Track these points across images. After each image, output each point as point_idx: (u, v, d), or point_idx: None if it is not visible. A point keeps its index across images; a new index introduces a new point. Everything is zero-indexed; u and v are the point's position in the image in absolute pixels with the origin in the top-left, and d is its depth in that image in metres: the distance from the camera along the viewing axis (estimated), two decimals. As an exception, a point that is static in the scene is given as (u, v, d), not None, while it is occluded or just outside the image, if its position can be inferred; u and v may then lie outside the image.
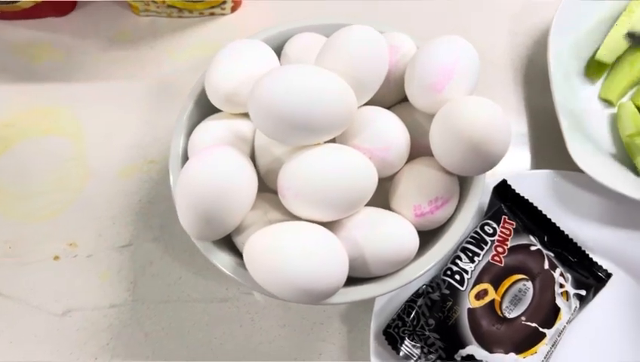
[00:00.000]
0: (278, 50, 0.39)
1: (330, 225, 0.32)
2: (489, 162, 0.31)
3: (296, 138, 0.30)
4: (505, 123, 0.31)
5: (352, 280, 0.32)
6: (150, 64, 0.49)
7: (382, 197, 0.35)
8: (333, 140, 0.34)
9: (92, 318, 0.40)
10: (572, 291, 0.37)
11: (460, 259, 0.37)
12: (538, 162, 0.45)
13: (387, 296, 0.38)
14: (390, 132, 0.33)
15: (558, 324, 0.36)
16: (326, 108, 0.30)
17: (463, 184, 0.35)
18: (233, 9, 0.50)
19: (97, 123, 0.47)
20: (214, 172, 0.30)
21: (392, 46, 0.35)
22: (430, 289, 0.37)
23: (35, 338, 0.39)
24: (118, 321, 0.40)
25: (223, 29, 0.50)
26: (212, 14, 0.50)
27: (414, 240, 0.32)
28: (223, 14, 0.50)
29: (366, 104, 0.34)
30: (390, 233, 0.32)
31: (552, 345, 0.36)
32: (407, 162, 0.35)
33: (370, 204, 0.34)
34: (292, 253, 0.29)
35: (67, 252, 0.42)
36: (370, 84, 0.33)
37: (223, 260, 0.33)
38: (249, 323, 0.40)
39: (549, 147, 0.45)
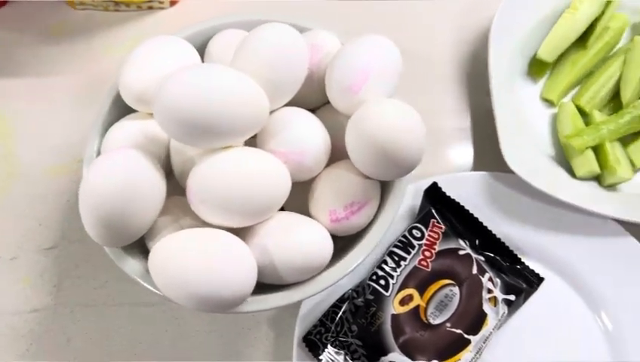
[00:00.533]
0: (204, 49, 0.38)
1: (241, 232, 0.31)
2: (402, 166, 0.30)
3: (202, 141, 0.29)
4: (417, 126, 0.30)
5: (265, 287, 0.32)
6: (86, 59, 0.48)
7: (302, 201, 0.34)
8: (253, 142, 0.33)
9: (12, 323, 0.39)
10: (501, 296, 0.37)
11: (387, 264, 0.36)
12: (477, 163, 0.44)
13: (313, 300, 0.37)
14: (307, 135, 0.32)
15: (484, 331, 0.35)
16: (232, 112, 0.29)
17: (385, 189, 0.34)
18: (172, 3, 0.49)
19: (27, 121, 0.45)
20: (113, 175, 0.28)
21: (314, 45, 0.34)
22: (355, 295, 0.36)
23: (-47, 344, 0.38)
24: (38, 326, 0.39)
25: (161, 23, 0.49)
26: (150, 8, 0.49)
27: (328, 247, 0.31)
28: (162, 8, 0.49)
29: (290, 105, 0.33)
30: (302, 240, 0.31)
31: (477, 352, 0.35)
32: (328, 165, 0.34)
33: (290, 208, 0.33)
34: (194, 261, 0.28)
35: (-10, 254, 0.41)
36: (287, 86, 0.32)
37: (132, 266, 0.32)
38: (175, 328, 0.39)
39: (489, 147, 0.43)
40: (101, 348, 0.38)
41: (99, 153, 0.34)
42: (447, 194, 0.39)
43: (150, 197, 0.30)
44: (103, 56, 0.48)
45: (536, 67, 0.45)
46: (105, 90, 0.45)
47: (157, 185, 0.30)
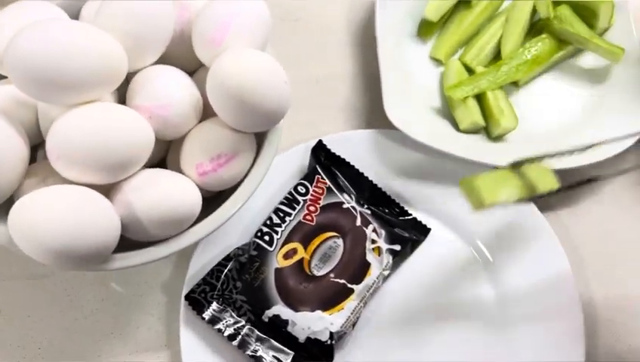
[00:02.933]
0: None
1: (106, 188, 0.31)
2: (263, 114, 0.31)
3: (55, 96, 0.29)
4: (273, 73, 0.30)
5: (137, 246, 0.32)
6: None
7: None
8: (123, 101, 0.33)
9: None
10: (385, 246, 0.37)
11: (271, 220, 0.37)
12: (370, 123, 0.44)
13: (201, 262, 0.37)
14: (171, 89, 0.32)
15: (368, 279, 0.36)
16: (82, 65, 0.28)
17: (260, 143, 0.34)
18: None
19: None
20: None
21: (182, 3, 0.34)
22: (240, 253, 0.36)
23: None
24: None
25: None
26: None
27: (194, 200, 0.31)
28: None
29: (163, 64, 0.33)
30: (166, 193, 0.31)
31: (361, 301, 0.36)
32: (202, 123, 0.34)
33: (173, 167, 0.33)
34: (47, 215, 0.28)
35: None
36: (150, 42, 0.32)
37: (-2, 230, 0.31)
38: (65, 298, 0.38)
39: (380, 108, 0.44)
40: (-12, 325, 0.38)
41: (-35, 120, 0.33)
42: (333, 151, 0.40)
43: (5, 156, 0.29)
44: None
45: (425, 28, 0.46)
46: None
47: (13, 142, 0.29)
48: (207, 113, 0.34)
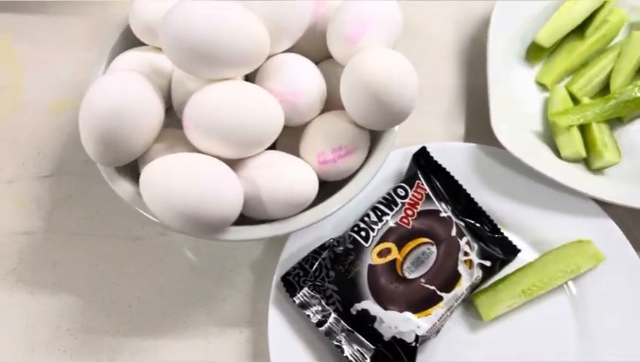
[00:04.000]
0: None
1: (232, 163, 0.32)
2: (392, 114, 0.31)
3: (202, 69, 0.31)
4: (409, 74, 0.31)
5: (250, 222, 0.33)
6: (97, 1, 0.49)
7: (296, 147, 0.35)
8: (252, 81, 0.34)
9: (3, 243, 0.40)
10: (476, 260, 0.38)
11: (369, 217, 0.38)
12: (468, 136, 0.45)
13: (294, 247, 0.38)
14: (302, 78, 0.33)
15: (457, 290, 0.36)
16: (232, 42, 0.30)
17: (374, 141, 0.35)
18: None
19: (36, 55, 0.47)
20: (111, 92, 0.30)
21: (320, -2, 0.36)
22: (336, 243, 0.37)
23: (-57, 256, 0.39)
24: (28, 248, 0.40)
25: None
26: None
27: (312, 186, 0.32)
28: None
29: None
30: (288, 175, 0.32)
31: (448, 309, 0.36)
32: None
33: (285, 152, 0.34)
34: (182, 180, 0.29)
35: (-13, 176, 0.42)
36: (289, 29, 0.33)
37: (123, 188, 0.33)
38: (158, 263, 0.40)
39: (481, 124, 0.44)
40: (84, 275, 0.39)
41: (103, 80, 0.35)
42: (435, 159, 0.40)
43: (147, 118, 0.31)
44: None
45: (534, 52, 0.46)
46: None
47: (155, 106, 0.31)
48: (326, 105, 0.35)
